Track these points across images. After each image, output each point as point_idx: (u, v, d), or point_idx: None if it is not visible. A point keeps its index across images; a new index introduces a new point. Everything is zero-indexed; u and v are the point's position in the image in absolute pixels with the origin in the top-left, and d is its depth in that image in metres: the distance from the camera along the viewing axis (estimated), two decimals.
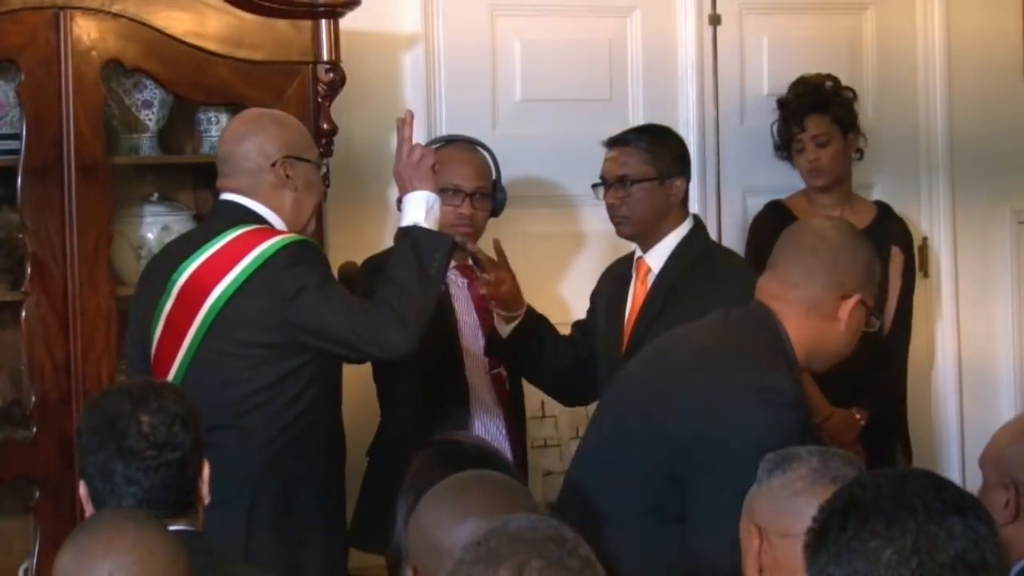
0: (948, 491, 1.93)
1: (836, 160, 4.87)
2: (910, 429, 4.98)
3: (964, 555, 1.88)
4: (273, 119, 3.83)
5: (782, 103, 4.94)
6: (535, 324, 4.21)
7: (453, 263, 4.07)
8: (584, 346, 4.23)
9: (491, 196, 4.27)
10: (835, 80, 4.95)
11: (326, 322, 3.58)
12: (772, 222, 4.84)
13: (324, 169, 3.97)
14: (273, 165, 3.71)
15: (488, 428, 4.26)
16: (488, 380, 4.29)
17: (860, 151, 4.97)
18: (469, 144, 4.34)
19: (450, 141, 4.33)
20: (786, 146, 4.94)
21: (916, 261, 5.04)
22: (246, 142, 3.74)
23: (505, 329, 4.19)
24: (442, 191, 3.91)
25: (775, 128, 4.97)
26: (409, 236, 3.69)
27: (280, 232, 3.68)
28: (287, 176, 3.72)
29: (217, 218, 3.77)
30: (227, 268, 3.62)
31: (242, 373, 3.61)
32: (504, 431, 4.29)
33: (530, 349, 4.20)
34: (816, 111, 4.87)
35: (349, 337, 3.59)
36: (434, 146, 4.09)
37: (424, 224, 3.70)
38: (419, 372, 4.10)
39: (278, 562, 3.53)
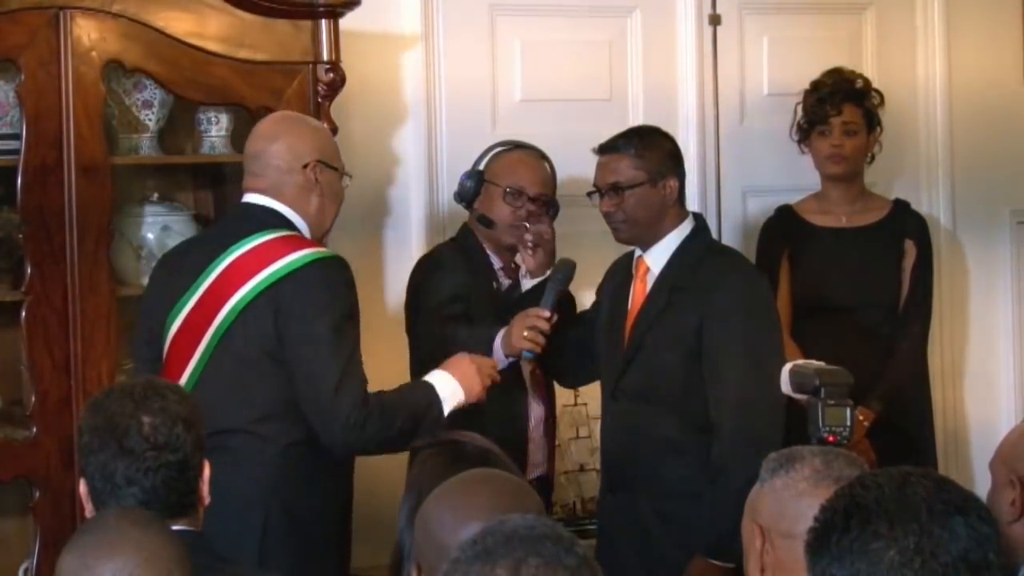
0: (950, 491, 1.93)
1: (857, 152, 4.88)
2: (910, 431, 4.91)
3: (966, 555, 1.88)
4: (307, 122, 3.82)
5: (818, 84, 4.92)
6: None
7: (500, 268, 4.29)
8: (587, 332, 4.24)
9: (551, 203, 4.33)
10: (866, 80, 4.96)
11: (314, 360, 3.50)
12: (782, 226, 4.84)
13: (347, 183, 3.84)
14: (305, 167, 3.67)
15: (535, 426, 4.30)
16: (532, 378, 4.31)
17: (873, 156, 4.96)
18: (537, 152, 4.37)
19: (519, 146, 4.37)
20: (809, 129, 4.91)
21: (933, 257, 4.96)
22: (278, 141, 3.69)
23: (527, 284, 4.26)
24: (506, 191, 4.23)
25: (801, 108, 4.94)
26: (431, 402, 3.64)
27: (310, 244, 3.63)
28: (316, 180, 3.68)
29: (244, 219, 3.69)
30: (251, 273, 3.56)
31: (254, 381, 3.56)
32: (543, 429, 4.32)
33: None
34: (852, 100, 4.88)
35: (321, 385, 3.48)
36: (500, 149, 4.28)
37: (444, 406, 3.64)
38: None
39: (289, 568, 3.49)
